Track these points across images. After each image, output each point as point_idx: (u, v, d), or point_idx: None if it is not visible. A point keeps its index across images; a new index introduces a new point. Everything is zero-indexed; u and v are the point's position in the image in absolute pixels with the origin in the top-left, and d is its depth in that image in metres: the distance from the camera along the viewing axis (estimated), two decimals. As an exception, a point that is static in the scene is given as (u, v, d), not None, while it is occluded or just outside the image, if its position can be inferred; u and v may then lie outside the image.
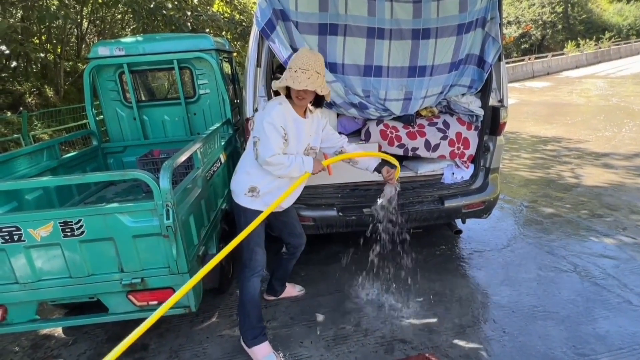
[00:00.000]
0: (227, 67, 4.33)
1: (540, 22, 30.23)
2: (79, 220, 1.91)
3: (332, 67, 2.83)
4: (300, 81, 1.97)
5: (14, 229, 1.88)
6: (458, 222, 3.44)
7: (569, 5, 30.44)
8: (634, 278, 2.96)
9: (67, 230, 1.91)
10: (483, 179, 3.13)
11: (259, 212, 2.04)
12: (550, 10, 29.99)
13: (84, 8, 8.64)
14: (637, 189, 4.79)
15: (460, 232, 3.40)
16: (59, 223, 1.90)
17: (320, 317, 2.67)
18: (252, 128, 2.17)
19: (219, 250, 2.65)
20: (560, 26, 30.37)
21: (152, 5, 6.04)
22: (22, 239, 1.90)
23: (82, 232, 1.93)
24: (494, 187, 3.12)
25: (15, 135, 5.79)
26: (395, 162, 2.45)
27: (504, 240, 3.65)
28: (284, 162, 2.05)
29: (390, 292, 2.92)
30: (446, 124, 3.08)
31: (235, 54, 5.44)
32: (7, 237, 1.89)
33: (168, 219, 1.90)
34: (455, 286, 2.96)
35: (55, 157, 2.99)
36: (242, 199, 2.19)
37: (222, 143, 3.20)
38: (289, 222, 2.56)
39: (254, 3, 9.45)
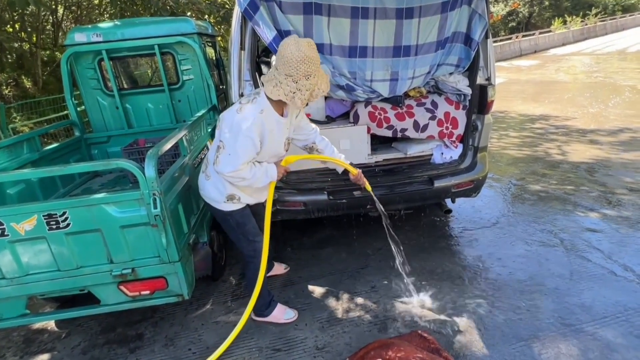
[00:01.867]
0: (210, 52, 4.22)
1: (527, -1, 30.10)
2: (64, 213, 1.87)
3: (318, 48, 2.71)
4: (325, 82, 1.85)
5: (-4, 223, 1.84)
6: (448, 201, 3.47)
7: (556, -19, 30.30)
8: (618, 250, 3.04)
9: (52, 223, 1.88)
10: (472, 158, 3.14)
11: (247, 207, 2.09)
12: (537, -13, 29.83)
13: (59, -7, 8.30)
14: (622, 164, 4.88)
15: (450, 211, 3.44)
16: (43, 216, 1.86)
17: (314, 300, 2.70)
18: (219, 127, 1.90)
19: (210, 238, 2.65)
20: (547, 3, 30.28)
21: (129, -11, 5.84)
22: (6, 233, 1.86)
23: (68, 225, 1.89)
24: (483, 166, 3.14)
25: (-7, 129, 5.62)
26: (355, 170, 2.37)
27: (493, 218, 3.71)
28: (245, 176, 1.89)
29: (382, 272, 2.95)
30: (434, 104, 3.06)
31: (219, 38, 5.30)
32: (-11, 233, 1.84)
33: (155, 208, 1.87)
34: (446, 264, 3.01)
35: (36, 150, 2.90)
36: (223, 206, 2.08)
37: (209, 130, 3.14)
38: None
39: (237, -15, 9.17)
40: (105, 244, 1.97)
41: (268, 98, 1.89)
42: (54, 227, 1.89)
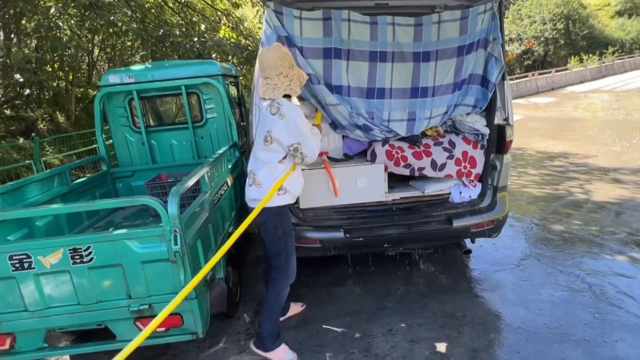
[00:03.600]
0: (233, 91, 4.42)
1: (542, 38, 30.58)
2: (88, 247, 1.93)
3: (337, 89, 2.88)
4: (302, 76, 2.25)
5: (24, 256, 1.90)
6: (467, 241, 3.40)
7: (570, 21, 30.78)
8: (652, 297, 2.88)
9: (76, 257, 1.93)
10: (491, 198, 3.10)
11: (288, 206, 2.34)
12: (552, 27, 30.35)
13: (95, 37, 8.96)
14: (650, 204, 4.72)
15: (469, 251, 3.35)
16: (69, 250, 1.91)
17: (328, 342, 2.62)
18: (272, 140, 2.18)
19: (226, 274, 2.66)
20: (562, 42, 30.64)
21: (160, 33, 6.25)
22: (32, 266, 1.92)
23: (91, 259, 1.94)
24: (503, 206, 3.09)
25: (27, 162, 5.91)
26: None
27: (514, 259, 3.59)
28: (319, 144, 2.30)
29: (400, 314, 2.86)
30: (452, 143, 3.08)
31: (241, 78, 5.57)
32: (17, 265, 1.91)
33: (176, 244, 1.90)
34: (466, 308, 2.90)
35: (66, 183, 3.04)
36: (278, 200, 2.27)
37: (229, 166, 3.23)
38: None
39: (259, 28, 9.72)
40: (125, 279, 2.00)
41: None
42: (78, 261, 1.94)
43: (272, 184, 2.21)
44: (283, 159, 2.22)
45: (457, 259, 3.67)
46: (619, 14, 35.67)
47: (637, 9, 35.33)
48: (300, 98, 2.87)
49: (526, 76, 21.84)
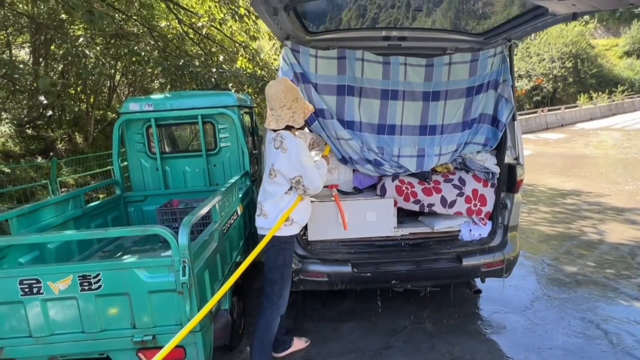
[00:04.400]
0: (247, 120, 4.54)
1: (551, 75, 30.96)
2: (97, 274, 1.94)
3: (349, 124, 2.94)
4: (306, 109, 2.32)
5: (34, 281, 1.92)
6: (477, 281, 3.33)
7: (579, 60, 31.22)
8: (672, 349, 2.75)
9: (85, 284, 1.94)
10: (502, 237, 3.06)
11: (294, 237, 2.39)
12: (561, 65, 30.79)
13: (118, 63, 9.36)
14: (666, 248, 4.59)
15: (479, 291, 3.27)
16: (78, 277, 1.93)
17: (333, 382, 2.54)
18: (276, 173, 2.27)
19: (231, 304, 2.63)
20: (571, 80, 30.96)
21: (180, 63, 6.52)
22: (41, 291, 1.93)
23: (100, 287, 1.95)
24: (514, 245, 3.05)
25: (43, 181, 6.05)
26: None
27: (526, 301, 3.49)
28: (324, 176, 2.39)
29: (407, 355, 2.77)
30: (462, 181, 3.09)
31: (255, 107, 5.73)
32: (27, 290, 1.92)
33: (184, 275, 1.91)
34: (475, 351, 2.80)
35: (80, 206, 3.10)
36: (285, 230, 2.32)
37: (240, 195, 3.27)
38: None
39: (275, 59, 10.07)
40: (131, 308, 2.00)
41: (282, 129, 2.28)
42: (87, 288, 1.95)
43: (279, 214, 2.28)
44: (289, 190, 2.29)
45: (466, 297, 3.58)
46: (627, 54, 36.15)
47: (646, 50, 35.78)
48: (310, 130, 2.95)
49: (535, 112, 21.97)
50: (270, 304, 2.41)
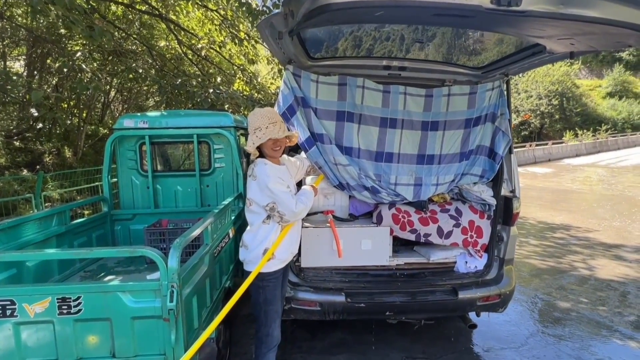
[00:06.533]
0: (243, 142, 4.50)
1: (538, 112, 32.08)
2: (78, 297, 1.82)
3: (347, 150, 2.93)
4: (277, 131, 2.15)
5: (8, 302, 1.79)
6: (472, 314, 3.24)
7: (565, 98, 32.53)
8: (671, 393, 2.68)
9: (63, 307, 1.81)
10: (498, 270, 3.02)
11: (277, 273, 2.25)
12: (547, 102, 32.01)
13: (114, 79, 9.36)
14: (657, 286, 4.59)
15: (474, 326, 3.18)
16: (57, 299, 1.80)
17: (322, 421, 2.39)
18: (251, 202, 2.22)
19: (217, 333, 2.49)
20: (557, 116, 32.12)
21: (177, 82, 6.53)
22: (15, 314, 1.79)
23: (79, 310, 1.82)
24: (510, 279, 3.00)
25: (27, 195, 5.85)
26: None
27: (521, 337, 3.40)
28: (305, 203, 2.25)
29: (400, 393, 2.64)
30: (459, 211, 3.07)
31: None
32: (-1, 312, 1.79)
33: (172, 301, 1.80)
34: (472, 391, 2.68)
35: (64, 223, 2.96)
36: (264, 266, 2.20)
37: (232, 217, 3.18)
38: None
39: (272, 83, 10.21)
40: (112, 334, 1.86)
41: (263, 157, 2.23)
42: (65, 311, 1.82)
43: (258, 245, 2.21)
44: (267, 218, 2.20)
45: (461, 332, 3.48)
46: (610, 95, 37.83)
47: (627, 92, 37.53)
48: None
49: (524, 146, 22.55)
50: (259, 340, 2.32)
